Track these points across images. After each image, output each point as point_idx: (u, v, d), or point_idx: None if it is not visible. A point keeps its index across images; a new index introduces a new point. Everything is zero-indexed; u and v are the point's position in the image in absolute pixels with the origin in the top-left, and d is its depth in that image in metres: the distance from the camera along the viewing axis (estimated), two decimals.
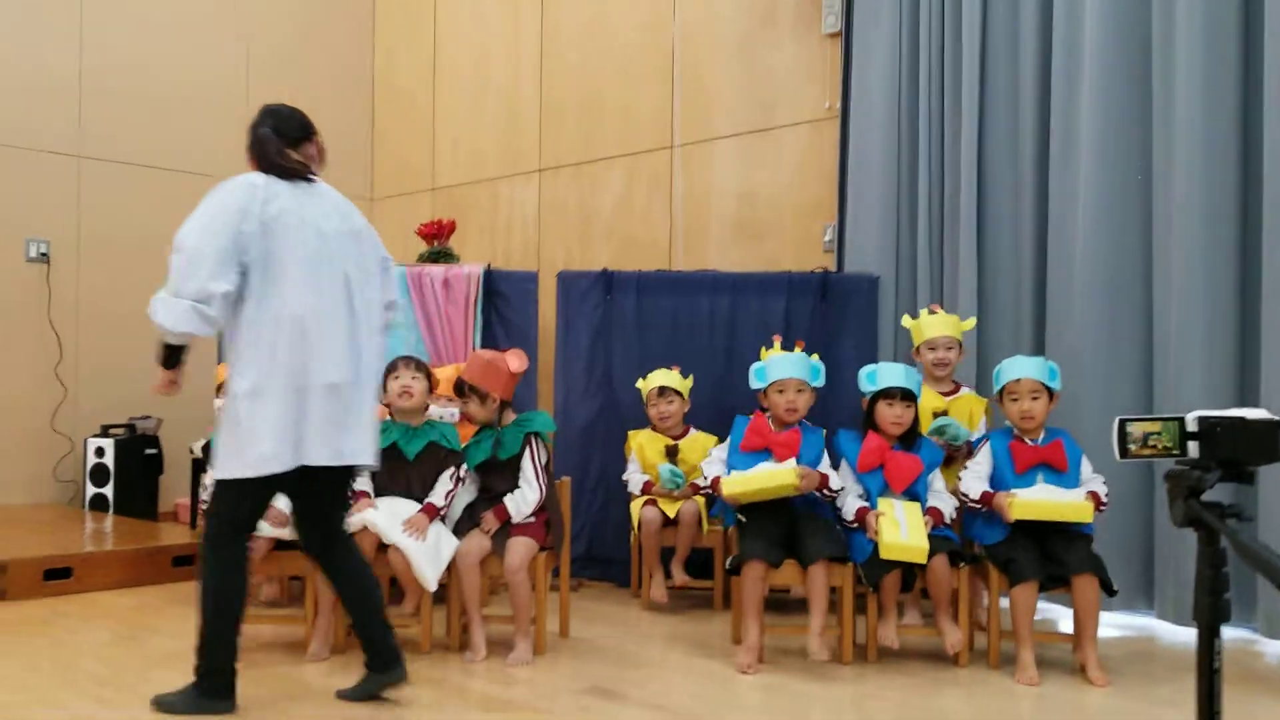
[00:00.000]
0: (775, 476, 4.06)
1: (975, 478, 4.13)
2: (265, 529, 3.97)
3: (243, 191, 3.27)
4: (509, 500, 4.13)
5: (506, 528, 4.12)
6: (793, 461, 4.11)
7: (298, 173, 3.38)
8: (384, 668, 3.47)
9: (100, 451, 6.63)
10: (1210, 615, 1.64)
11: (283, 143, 3.40)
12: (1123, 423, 1.70)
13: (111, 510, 6.58)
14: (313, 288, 3.31)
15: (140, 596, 5.07)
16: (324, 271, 3.34)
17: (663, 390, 5.00)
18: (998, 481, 4.10)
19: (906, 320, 4.73)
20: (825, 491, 4.13)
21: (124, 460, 6.65)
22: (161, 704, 3.35)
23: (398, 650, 3.49)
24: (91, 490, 6.65)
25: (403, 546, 3.92)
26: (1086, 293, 4.79)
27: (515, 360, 4.25)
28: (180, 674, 3.73)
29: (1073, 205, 4.84)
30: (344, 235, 3.43)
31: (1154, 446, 1.66)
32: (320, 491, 3.48)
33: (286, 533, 3.97)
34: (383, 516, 4.01)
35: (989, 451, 4.16)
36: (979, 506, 4.07)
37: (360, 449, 3.42)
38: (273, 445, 3.24)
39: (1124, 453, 1.68)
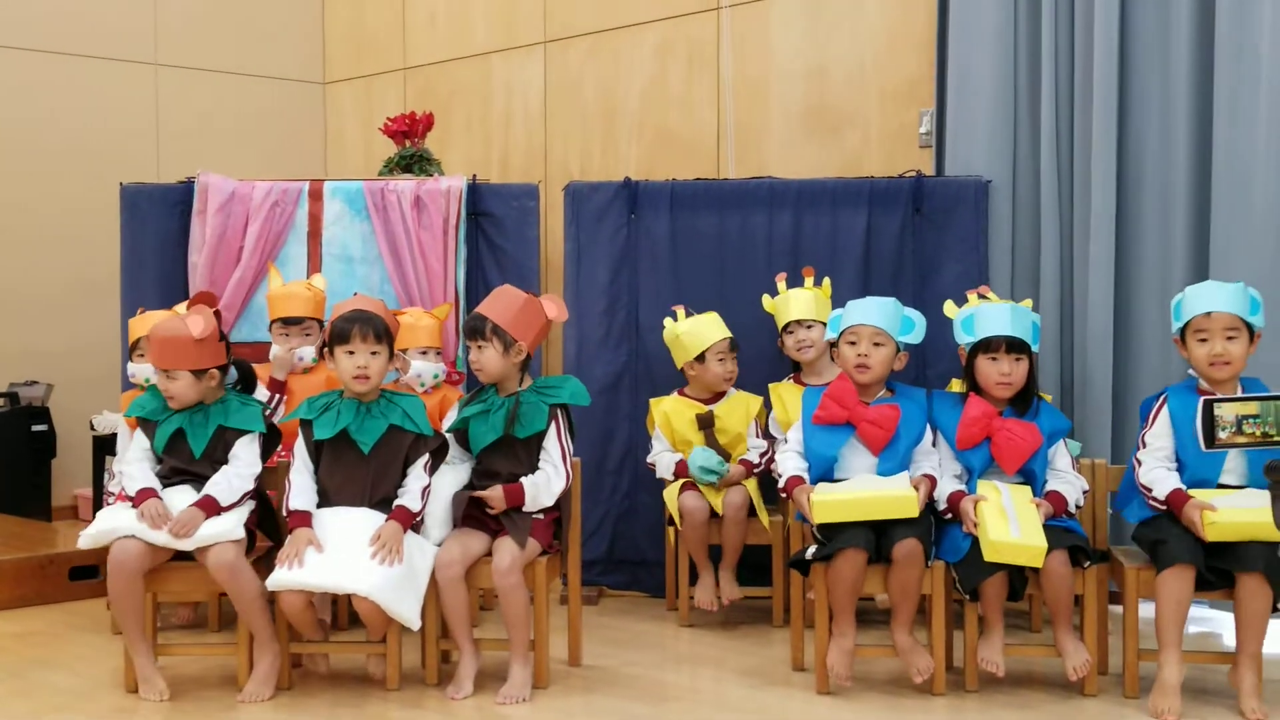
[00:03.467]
0: (890, 505, 4.16)
1: (1159, 462, 4.17)
2: (143, 531, 4.14)
3: None
4: (528, 482, 4.31)
5: (497, 521, 4.32)
6: (906, 479, 4.26)
7: None
8: None
9: None
10: None
11: None
12: (1209, 405, 1.85)
13: None
14: None
15: (28, 621, 5.32)
16: None
17: (734, 344, 5.21)
18: (1179, 458, 4.15)
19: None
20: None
21: (3, 440, 6.91)
22: None
23: None
24: None
25: (366, 593, 4.04)
26: (1271, 210, 4.85)
27: (553, 307, 4.45)
28: None
29: (1252, 89, 4.90)
30: None
31: (1250, 433, 1.81)
32: None
33: (161, 537, 4.13)
34: (325, 565, 4.10)
35: (1168, 419, 4.20)
36: (1164, 508, 4.13)
37: None
38: None
39: (1211, 441, 1.83)
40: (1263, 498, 3.91)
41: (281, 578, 4.09)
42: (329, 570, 4.09)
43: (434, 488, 4.34)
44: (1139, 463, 4.22)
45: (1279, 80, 4.83)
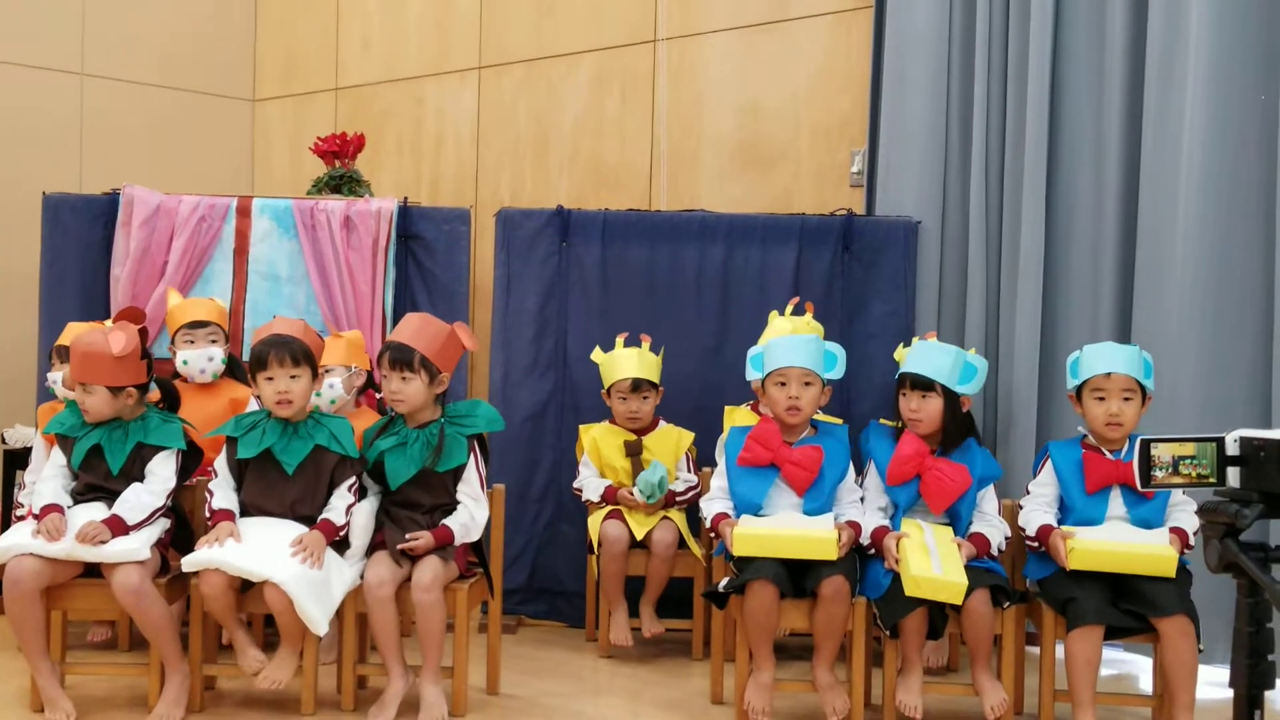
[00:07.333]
0: (809, 545, 4.18)
1: (1038, 506, 4.33)
2: (40, 546, 4.06)
3: None
4: (454, 522, 4.30)
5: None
6: (830, 520, 4.29)
7: None
8: None
9: None
10: (1249, 681, 1.82)
11: None
12: (1146, 444, 1.87)
13: None
14: None
15: None
16: None
17: (637, 385, 5.17)
18: (1065, 504, 4.31)
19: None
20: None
21: None
22: None
23: None
24: None
25: (280, 581, 4.04)
26: (1193, 259, 4.93)
27: (469, 338, 4.42)
28: None
29: (1176, 132, 4.99)
30: None
31: (1186, 474, 1.83)
32: None
33: (60, 548, 4.06)
34: (244, 551, 4.09)
35: (1052, 469, 4.36)
36: (1035, 544, 4.27)
37: None
38: None
39: (1147, 480, 1.85)
40: (1124, 529, 4.15)
41: (198, 557, 4.07)
42: (247, 555, 4.08)
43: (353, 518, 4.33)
44: (1020, 507, 4.37)
45: (1198, 133, 4.90)
